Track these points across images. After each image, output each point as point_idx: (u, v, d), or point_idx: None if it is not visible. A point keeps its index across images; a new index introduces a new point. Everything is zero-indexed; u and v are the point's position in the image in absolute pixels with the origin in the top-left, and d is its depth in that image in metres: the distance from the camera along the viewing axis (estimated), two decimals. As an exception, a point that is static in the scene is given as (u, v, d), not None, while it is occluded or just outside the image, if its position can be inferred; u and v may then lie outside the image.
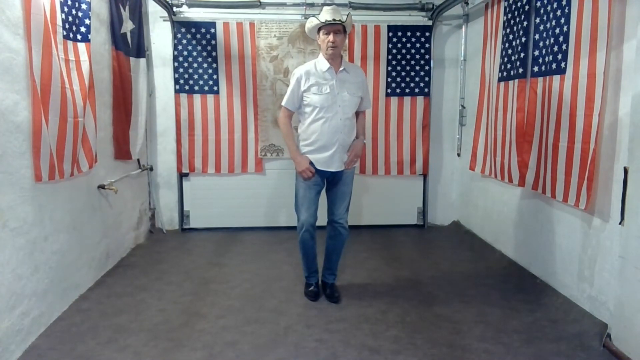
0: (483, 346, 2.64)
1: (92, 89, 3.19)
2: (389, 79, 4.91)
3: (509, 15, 3.73)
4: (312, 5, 4.79)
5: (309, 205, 3.14)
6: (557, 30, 3.05)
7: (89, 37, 3.13)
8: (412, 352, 2.57)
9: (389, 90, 4.93)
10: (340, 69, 3.10)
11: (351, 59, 4.81)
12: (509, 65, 3.72)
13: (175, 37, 4.72)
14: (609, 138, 2.69)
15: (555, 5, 3.08)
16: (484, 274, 3.74)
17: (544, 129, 3.24)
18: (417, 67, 4.92)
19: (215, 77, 4.78)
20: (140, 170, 4.51)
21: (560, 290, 3.18)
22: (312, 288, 3.31)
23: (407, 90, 4.95)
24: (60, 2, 2.82)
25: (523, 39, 3.48)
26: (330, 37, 2.99)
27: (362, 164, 5.01)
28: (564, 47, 2.98)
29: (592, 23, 2.72)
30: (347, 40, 4.70)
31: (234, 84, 4.80)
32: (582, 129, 2.81)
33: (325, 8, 3.03)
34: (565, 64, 2.96)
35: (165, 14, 4.65)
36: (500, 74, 3.89)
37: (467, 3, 4.71)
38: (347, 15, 3.03)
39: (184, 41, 4.72)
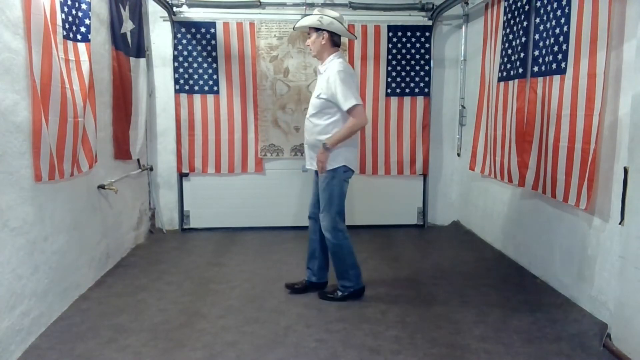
0: (483, 346, 2.63)
1: (92, 89, 3.19)
2: (389, 79, 4.91)
3: (509, 15, 3.73)
4: (312, 5, 4.79)
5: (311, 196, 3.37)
6: (557, 30, 3.05)
7: (89, 37, 3.13)
8: (412, 352, 2.57)
9: (389, 90, 4.93)
10: (323, 69, 3.14)
11: (351, 59, 4.81)
12: (508, 65, 3.72)
13: (175, 37, 4.72)
14: (609, 138, 2.69)
15: (555, 5, 3.08)
16: (484, 274, 3.74)
17: (544, 129, 3.24)
18: (417, 67, 4.92)
19: (215, 77, 4.78)
20: (140, 170, 4.51)
21: (560, 290, 3.18)
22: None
23: (407, 90, 4.95)
24: (60, 2, 2.81)
25: (523, 39, 3.48)
26: (307, 42, 3.21)
27: (362, 164, 5.01)
28: (564, 47, 2.98)
29: (592, 23, 2.72)
30: (347, 40, 4.74)
31: (234, 84, 4.80)
32: (582, 129, 2.81)
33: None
34: (565, 64, 2.96)
35: (165, 14, 4.65)
36: (500, 74, 3.89)
37: (467, 3, 4.71)
38: (302, 17, 3.17)
39: (184, 41, 4.72)
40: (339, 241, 3.14)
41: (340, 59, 3.08)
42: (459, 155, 5.14)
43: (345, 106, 2.93)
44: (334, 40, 3.10)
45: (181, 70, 4.76)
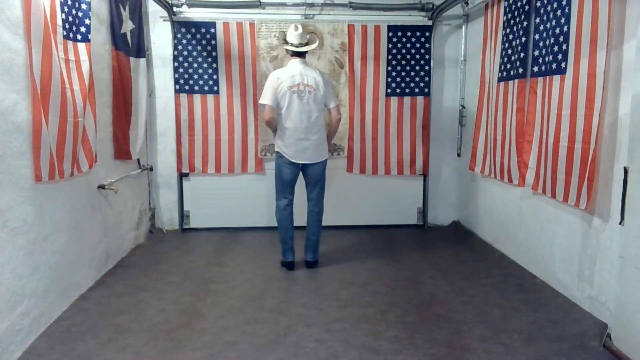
0: (483, 346, 2.64)
1: (92, 89, 3.19)
2: (389, 79, 4.91)
3: (509, 15, 3.73)
4: (312, 5, 4.79)
5: None
6: (557, 30, 3.05)
7: (89, 37, 3.13)
8: (412, 352, 2.57)
9: (389, 90, 4.92)
10: None
11: (351, 59, 4.83)
12: (508, 65, 3.72)
13: (175, 37, 4.72)
14: (609, 138, 2.69)
15: (555, 5, 3.08)
16: (484, 274, 3.74)
17: (544, 129, 3.24)
18: (417, 67, 4.92)
19: (215, 77, 4.78)
20: (140, 170, 4.51)
21: (560, 290, 3.18)
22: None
23: (407, 90, 4.95)
24: (60, 2, 2.82)
25: (523, 39, 3.48)
26: None
27: (362, 164, 5.01)
28: (564, 47, 2.98)
29: (592, 23, 2.72)
30: (347, 40, 4.76)
31: (234, 84, 4.80)
32: (582, 129, 2.81)
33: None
34: (565, 64, 2.96)
35: (165, 14, 4.65)
36: (500, 74, 3.89)
37: (467, 3, 4.71)
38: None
39: (184, 41, 4.72)
40: (275, 212, 3.91)
41: (284, 66, 3.87)
42: (459, 155, 5.14)
43: (259, 102, 3.84)
44: (290, 51, 3.73)
45: (181, 70, 4.76)
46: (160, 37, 4.76)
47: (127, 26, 4.00)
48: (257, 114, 4.86)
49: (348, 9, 4.81)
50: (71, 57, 2.96)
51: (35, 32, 2.57)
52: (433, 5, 4.81)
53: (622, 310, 2.51)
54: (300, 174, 3.83)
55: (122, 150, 4.01)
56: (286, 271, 3.81)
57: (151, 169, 4.85)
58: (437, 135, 5.16)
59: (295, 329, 2.83)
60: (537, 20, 3.31)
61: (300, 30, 3.66)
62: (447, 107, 5.14)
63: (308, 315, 3.01)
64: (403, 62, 4.90)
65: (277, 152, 3.79)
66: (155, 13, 4.69)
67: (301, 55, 3.70)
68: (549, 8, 3.16)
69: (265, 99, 3.66)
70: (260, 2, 4.72)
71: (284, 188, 3.82)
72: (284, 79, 3.61)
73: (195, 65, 4.76)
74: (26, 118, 2.57)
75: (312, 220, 3.87)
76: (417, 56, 4.91)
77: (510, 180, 3.74)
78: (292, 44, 3.65)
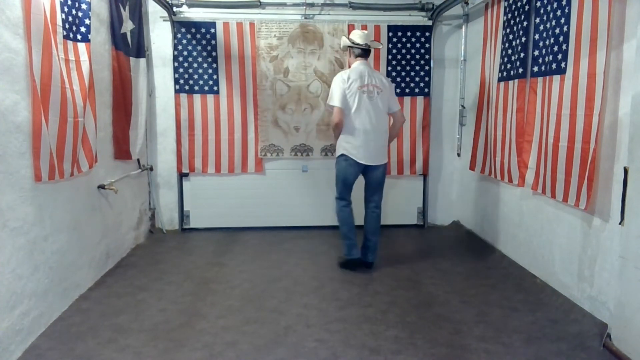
0: (483, 346, 2.64)
1: (92, 89, 3.19)
2: (389, 79, 4.90)
3: (509, 15, 3.73)
4: (312, 5, 4.79)
5: None
6: (557, 30, 3.05)
7: (89, 37, 3.13)
8: (412, 352, 2.57)
9: (389, 90, 4.92)
10: None
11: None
12: (508, 65, 3.72)
13: (175, 37, 4.72)
14: (609, 138, 2.69)
15: (555, 5, 3.08)
16: (484, 274, 3.74)
17: (544, 129, 3.24)
18: (417, 67, 4.92)
19: (215, 77, 4.78)
20: (140, 170, 4.51)
21: (560, 290, 3.18)
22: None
23: (407, 90, 4.95)
24: (60, 2, 2.82)
25: (523, 39, 3.48)
26: None
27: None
28: (564, 47, 2.98)
29: (592, 23, 2.72)
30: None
31: (234, 84, 4.81)
32: (582, 129, 2.81)
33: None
34: (565, 64, 2.96)
35: (165, 14, 4.65)
36: (500, 74, 3.89)
37: (467, 3, 4.71)
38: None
39: (184, 41, 4.72)
40: (336, 210, 3.84)
41: (349, 69, 3.72)
42: (459, 155, 5.14)
43: (327, 103, 3.70)
44: (355, 53, 3.72)
45: (181, 70, 4.76)
46: (160, 37, 4.76)
47: (127, 26, 4.00)
48: (257, 114, 4.87)
49: (348, 9, 4.81)
50: (71, 57, 2.96)
51: (35, 32, 2.57)
52: (433, 5, 4.81)
53: (622, 310, 2.51)
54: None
55: (122, 150, 4.01)
56: (286, 271, 3.81)
57: (151, 169, 4.85)
58: (437, 135, 5.16)
59: (295, 329, 2.82)
60: (537, 20, 3.32)
61: (365, 31, 3.76)
62: (447, 107, 5.14)
63: (308, 315, 3.01)
64: (403, 62, 4.90)
65: (343, 154, 3.67)
66: (155, 13, 4.70)
67: (364, 57, 3.71)
68: (549, 8, 3.16)
69: (335, 100, 3.57)
70: (260, 2, 4.73)
71: (346, 188, 3.75)
72: (354, 79, 3.58)
73: (195, 65, 4.76)
74: (26, 118, 2.57)
75: (374, 222, 3.82)
76: (417, 56, 4.91)
77: (510, 180, 3.74)
78: (358, 45, 3.66)
